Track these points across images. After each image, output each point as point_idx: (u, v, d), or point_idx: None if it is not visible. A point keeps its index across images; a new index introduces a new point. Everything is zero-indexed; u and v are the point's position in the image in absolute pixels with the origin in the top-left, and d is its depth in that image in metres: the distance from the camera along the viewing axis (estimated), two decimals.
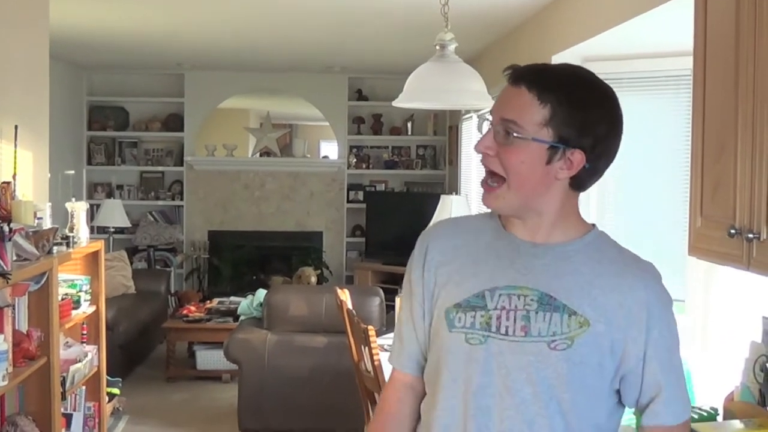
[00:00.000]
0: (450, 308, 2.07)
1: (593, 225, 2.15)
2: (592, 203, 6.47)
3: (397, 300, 5.48)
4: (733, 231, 2.68)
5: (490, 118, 2.02)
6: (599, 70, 6.26)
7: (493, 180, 2.02)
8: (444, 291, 2.11)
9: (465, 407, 2.03)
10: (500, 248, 2.10)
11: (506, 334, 2.00)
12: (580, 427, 2.00)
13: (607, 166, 2.09)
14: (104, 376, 6.13)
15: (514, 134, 1.96)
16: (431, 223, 6.74)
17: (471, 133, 9.67)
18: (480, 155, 2.04)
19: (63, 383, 5.08)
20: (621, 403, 2.08)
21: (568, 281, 2.02)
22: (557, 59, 6.46)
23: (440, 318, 2.09)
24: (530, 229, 2.07)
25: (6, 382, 4.08)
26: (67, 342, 5.65)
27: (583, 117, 1.97)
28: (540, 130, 1.96)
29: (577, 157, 1.99)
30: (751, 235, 2.58)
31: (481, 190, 2.08)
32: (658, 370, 2.01)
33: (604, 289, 2.01)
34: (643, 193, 6.10)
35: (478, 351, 2.01)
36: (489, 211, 2.16)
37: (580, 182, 2.05)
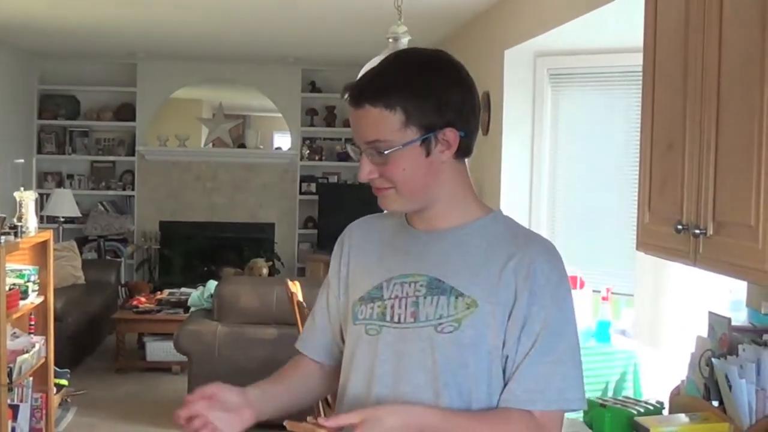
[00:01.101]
0: (356, 302, 2.11)
1: (492, 210, 2.13)
2: (543, 196, 6.51)
3: None
4: (680, 227, 2.70)
5: (358, 146, 2.01)
6: (551, 65, 6.34)
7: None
8: (352, 286, 2.16)
9: (368, 396, 2.04)
10: (400, 241, 2.13)
11: (398, 321, 2.02)
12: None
13: (478, 119, 2.07)
14: (52, 367, 6.08)
15: (385, 151, 1.95)
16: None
17: None
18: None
19: (10, 374, 5.04)
20: None
21: (457, 264, 2.02)
22: (510, 54, 6.49)
23: (348, 312, 2.14)
24: (428, 219, 2.08)
25: None
26: (15, 333, 5.59)
27: (434, 98, 1.96)
28: (404, 134, 1.95)
29: (450, 135, 1.98)
30: (697, 231, 2.60)
31: None
32: (528, 347, 1.95)
33: (493, 269, 1.99)
34: (593, 188, 6.15)
35: (376, 341, 2.04)
36: None
37: (465, 150, 2.04)
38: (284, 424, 1.88)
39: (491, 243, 2.04)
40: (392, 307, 2.03)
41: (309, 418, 1.87)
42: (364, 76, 2.01)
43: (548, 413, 1.97)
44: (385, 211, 2.19)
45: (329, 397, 3.85)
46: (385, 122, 1.94)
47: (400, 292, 2.04)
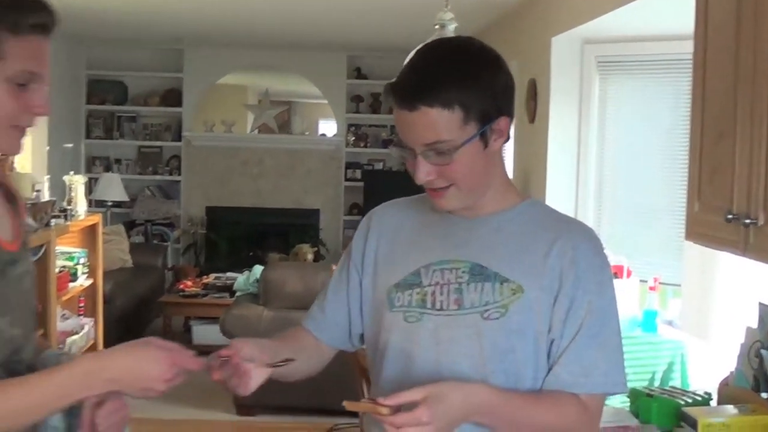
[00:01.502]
0: (390, 288, 2.08)
1: (529, 196, 2.14)
2: (590, 185, 6.48)
3: None
4: (730, 216, 2.68)
5: (408, 148, 1.95)
6: (599, 52, 6.29)
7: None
8: (384, 270, 2.12)
9: (406, 383, 1.99)
10: (435, 226, 2.09)
11: (441, 309, 2.00)
12: None
13: (513, 98, 2.04)
14: (101, 349, 6.15)
15: (446, 150, 1.91)
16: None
17: None
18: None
19: None
20: None
21: (500, 250, 2.01)
22: (557, 41, 6.45)
23: (382, 298, 2.10)
24: (469, 206, 2.05)
25: None
26: (64, 314, 5.66)
27: (487, 88, 1.93)
28: (465, 131, 1.91)
29: (503, 122, 1.97)
30: (748, 221, 2.58)
31: None
32: (574, 331, 1.96)
33: (536, 254, 1.99)
34: (641, 177, 6.10)
35: (416, 328, 2.01)
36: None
37: (508, 135, 2.02)
38: (343, 404, 1.84)
39: (532, 228, 2.04)
40: (433, 294, 2.02)
41: (365, 398, 1.86)
42: (408, 75, 1.95)
43: (593, 396, 1.98)
44: (417, 196, 2.18)
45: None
46: (445, 121, 1.89)
47: (440, 279, 2.02)
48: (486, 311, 1.97)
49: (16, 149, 1.89)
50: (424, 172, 1.94)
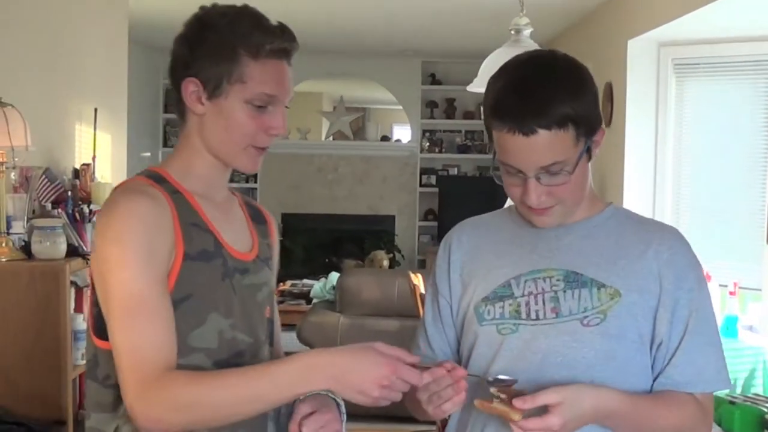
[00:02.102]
0: (479, 303, 2.05)
1: (610, 202, 2.12)
2: (667, 188, 6.42)
3: None
4: None
5: (525, 172, 1.91)
6: (676, 54, 6.25)
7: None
8: (470, 288, 2.09)
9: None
10: (521, 238, 2.08)
11: (537, 318, 1.98)
12: None
13: None
14: None
15: (561, 170, 1.90)
16: (505, 206, 6.73)
17: None
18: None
19: None
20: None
21: (592, 256, 2.00)
22: (633, 44, 6.40)
23: (470, 315, 2.07)
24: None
25: (84, 361, 4.16)
26: None
27: (588, 101, 1.92)
28: (577, 148, 1.90)
29: (601, 133, 1.97)
30: None
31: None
32: (681, 330, 1.96)
33: (630, 258, 1.98)
34: (720, 181, 6.03)
35: (511, 340, 1.98)
36: (506, 207, 2.19)
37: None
38: (474, 403, 1.83)
39: (621, 233, 2.04)
40: (527, 304, 2.00)
41: (495, 400, 1.82)
42: (516, 97, 1.89)
43: (707, 395, 1.99)
44: (500, 210, 2.17)
45: None
46: (561, 142, 1.87)
47: (534, 289, 2.00)
48: (585, 317, 1.95)
49: (253, 168, 2.01)
50: (537, 195, 1.92)
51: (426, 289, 2.25)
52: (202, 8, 1.99)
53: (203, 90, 1.92)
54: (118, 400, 1.87)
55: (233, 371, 1.82)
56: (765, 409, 3.05)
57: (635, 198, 6.31)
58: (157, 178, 1.96)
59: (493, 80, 1.98)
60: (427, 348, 2.21)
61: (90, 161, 5.42)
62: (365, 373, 1.78)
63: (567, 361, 1.94)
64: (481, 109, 2.04)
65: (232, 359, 1.93)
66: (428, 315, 2.22)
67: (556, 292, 1.99)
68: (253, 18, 1.96)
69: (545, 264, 2.02)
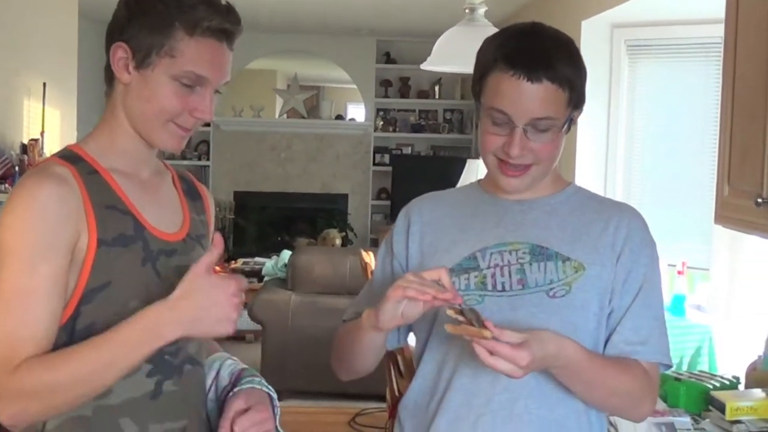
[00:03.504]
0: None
1: (572, 182, 2.19)
2: (618, 169, 6.46)
3: None
4: (759, 200, 2.67)
5: (515, 121, 1.95)
6: (629, 36, 6.26)
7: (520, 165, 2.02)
8: (433, 260, 2.10)
9: (454, 366, 2.04)
10: (486, 211, 2.12)
11: (503, 290, 2.02)
12: None
13: None
14: None
15: (549, 127, 1.96)
16: (458, 185, 6.74)
17: None
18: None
19: None
20: None
21: (557, 231, 2.06)
22: (587, 25, 6.43)
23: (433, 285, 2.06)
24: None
25: None
26: None
27: (583, 78, 2.02)
28: (566, 113, 1.99)
29: (579, 112, 2.06)
30: None
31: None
32: (629, 301, 2.02)
33: (592, 234, 2.05)
34: (670, 161, 6.07)
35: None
36: (468, 183, 2.24)
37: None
38: (445, 327, 1.80)
39: (583, 210, 2.10)
40: (493, 275, 2.03)
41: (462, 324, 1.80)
42: (529, 48, 1.96)
43: (652, 365, 2.03)
44: (457, 186, 2.19)
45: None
46: (558, 99, 1.95)
47: (500, 261, 2.04)
48: (551, 289, 2.00)
49: (175, 146, 1.93)
50: (519, 146, 1.96)
51: (378, 252, 2.26)
52: None
53: (132, 58, 1.84)
54: None
55: (82, 344, 1.75)
56: (710, 386, 3.08)
57: (587, 178, 6.35)
58: (73, 158, 1.86)
59: (498, 35, 2.07)
60: (365, 304, 2.14)
61: (38, 136, 5.36)
62: (212, 301, 1.75)
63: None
64: (476, 58, 2.07)
65: (165, 348, 1.83)
66: (377, 280, 2.24)
67: (522, 264, 2.03)
68: None
69: (511, 237, 2.06)
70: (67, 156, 1.87)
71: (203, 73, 1.85)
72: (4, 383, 1.71)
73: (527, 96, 1.93)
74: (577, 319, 1.99)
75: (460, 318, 1.80)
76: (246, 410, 1.90)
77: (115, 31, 1.86)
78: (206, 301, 1.74)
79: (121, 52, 1.84)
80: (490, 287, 2.03)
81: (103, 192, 1.84)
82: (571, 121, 2.02)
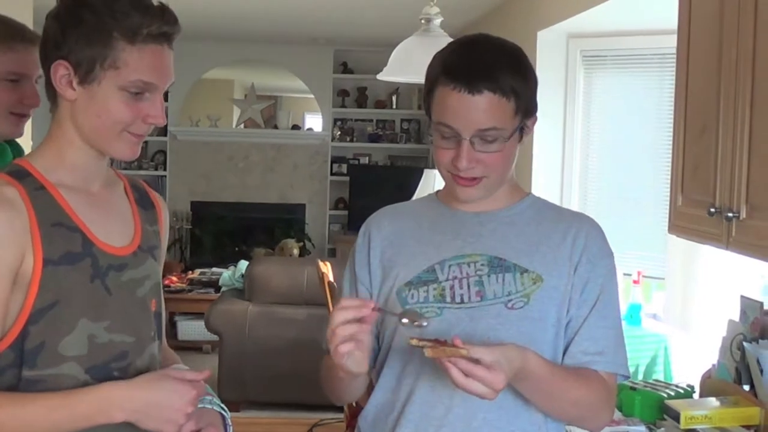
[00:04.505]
0: (401, 287, 2.08)
1: (529, 192, 2.20)
2: (574, 179, 6.49)
3: None
4: (713, 210, 2.69)
5: (461, 134, 1.96)
6: (585, 47, 6.29)
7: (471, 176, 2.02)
8: (392, 274, 2.11)
9: (414, 379, 2.04)
10: (444, 224, 2.13)
11: (461, 302, 2.02)
12: None
13: None
14: None
15: (497, 139, 1.96)
16: (413, 198, 6.75)
17: None
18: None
19: None
20: None
21: (515, 242, 2.06)
22: (543, 36, 6.46)
23: (392, 300, 2.08)
24: (478, 201, 2.09)
25: None
26: None
27: (531, 85, 2.03)
28: (513, 122, 1.99)
29: (533, 120, 2.07)
30: (730, 215, 2.59)
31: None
32: (586, 311, 2.03)
33: (550, 245, 2.06)
34: (625, 171, 6.11)
35: (435, 323, 1.99)
36: (426, 195, 2.25)
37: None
38: (425, 353, 1.78)
39: (541, 221, 2.11)
40: (452, 288, 2.04)
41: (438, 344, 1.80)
42: (467, 60, 1.98)
43: (609, 375, 2.04)
44: (414, 198, 2.20)
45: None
46: (502, 109, 1.95)
47: (459, 273, 2.04)
48: (509, 301, 2.01)
49: (131, 155, 1.90)
50: (468, 160, 1.97)
51: (344, 276, 2.25)
52: None
53: (74, 74, 1.80)
54: None
55: (34, 398, 1.76)
56: (664, 395, 3.10)
57: (543, 188, 6.37)
58: (21, 174, 1.82)
59: (443, 49, 2.07)
60: None
61: None
62: (168, 403, 1.78)
63: (490, 343, 1.94)
64: (426, 73, 2.07)
65: (112, 363, 1.86)
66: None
67: (480, 276, 2.03)
68: None
69: (469, 249, 2.07)
70: (15, 172, 1.83)
71: (150, 80, 1.82)
72: None
73: (469, 108, 1.94)
74: (535, 331, 2.00)
75: (427, 343, 1.79)
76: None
77: (51, 48, 1.82)
78: (162, 401, 1.78)
79: (62, 70, 1.80)
80: (448, 299, 2.03)
81: (50, 209, 1.81)
82: (522, 130, 2.03)
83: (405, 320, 1.88)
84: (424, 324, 1.87)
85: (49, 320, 1.77)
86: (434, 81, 2.01)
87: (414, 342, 1.81)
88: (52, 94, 1.86)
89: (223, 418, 2.02)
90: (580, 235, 2.07)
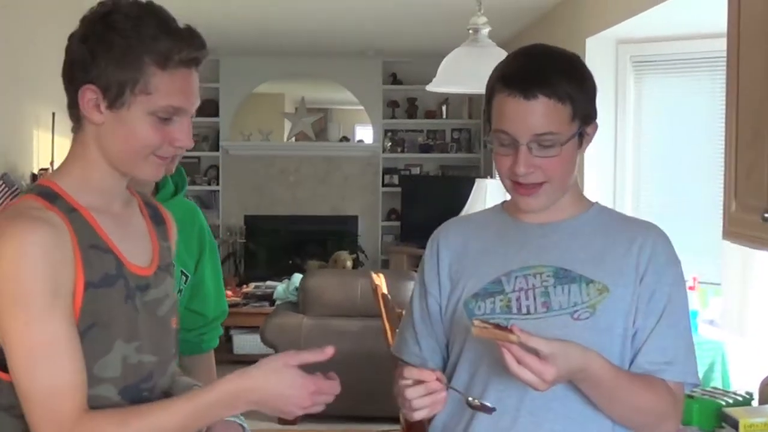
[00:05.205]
0: (468, 299, 2.10)
1: (596, 201, 2.19)
2: (627, 185, 6.46)
3: None
4: (766, 215, 2.67)
5: (518, 139, 1.98)
6: (634, 52, 6.26)
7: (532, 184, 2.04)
8: (459, 285, 2.14)
9: (482, 393, 2.05)
10: (509, 235, 2.14)
11: (528, 313, 2.03)
12: None
13: None
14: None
15: (555, 144, 1.97)
16: (465, 207, 6.75)
17: None
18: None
19: None
20: None
21: (580, 253, 2.07)
22: (591, 42, 6.43)
23: (460, 311, 2.11)
24: (544, 212, 2.10)
25: None
26: None
27: (588, 91, 2.04)
28: (570, 127, 1.99)
29: (593, 127, 2.07)
30: None
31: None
32: (654, 322, 2.02)
33: (616, 255, 2.05)
34: (678, 177, 6.07)
35: None
36: (492, 206, 2.26)
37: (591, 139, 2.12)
38: (472, 331, 1.84)
39: (607, 231, 2.11)
40: (518, 299, 2.05)
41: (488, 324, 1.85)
42: (523, 66, 2.02)
43: (678, 384, 2.03)
44: (496, 198, 2.21)
45: None
46: (558, 114, 1.97)
47: (524, 285, 2.06)
48: (575, 312, 2.01)
49: (156, 176, 1.91)
50: (525, 164, 1.98)
51: (413, 289, 2.29)
52: (103, 5, 1.83)
53: (103, 98, 1.78)
54: (24, 428, 1.77)
55: (156, 406, 1.80)
56: (723, 403, 3.08)
57: (594, 194, 6.27)
58: (51, 196, 1.81)
59: (503, 59, 2.10)
60: (415, 345, 2.25)
61: (48, 166, 5.38)
62: (287, 397, 1.80)
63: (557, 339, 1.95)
64: (486, 86, 2.09)
65: (141, 384, 1.87)
66: (416, 313, 2.26)
67: (546, 287, 2.04)
68: (159, 20, 1.82)
69: (535, 261, 2.08)
70: (45, 193, 1.82)
71: (180, 105, 1.83)
72: None
73: (525, 113, 1.96)
74: (601, 341, 1.99)
75: (488, 326, 1.83)
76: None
77: (77, 71, 1.81)
78: (283, 393, 1.81)
79: (89, 94, 1.79)
80: (515, 310, 2.04)
81: (85, 231, 1.80)
82: (581, 136, 2.04)
83: (472, 400, 1.94)
84: (489, 405, 1.93)
85: (87, 343, 1.76)
86: (492, 89, 2.04)
87: (477, 322, 1.84)
88: (76, 115, 1.85)
89: (243, 429, 2.06)
90: (647, 245, 2.06)
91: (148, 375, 1.89)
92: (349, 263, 10.42)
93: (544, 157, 1.98)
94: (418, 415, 1.93)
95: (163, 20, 1.82)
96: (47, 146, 5.68)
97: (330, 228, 11.81)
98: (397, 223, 11.70)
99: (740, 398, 3.15)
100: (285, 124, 12.84)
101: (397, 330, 2.37)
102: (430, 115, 11.90)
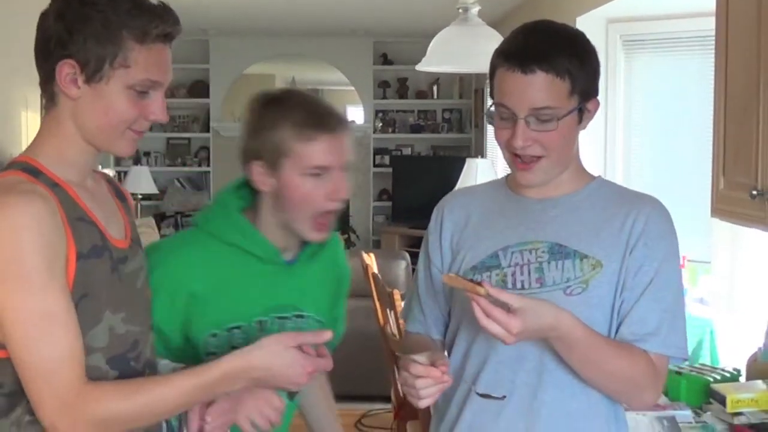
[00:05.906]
0: (467, 271, 2.13)
1: (598, 176, 2.21)
2: (617, 164, 6.46)
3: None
4: (754, 192, 2.68)
5: (517, 113, 2.01)
6: (624, 31, 6.24)
7: (529, 157, 2.05)
8: (459, 257, 2.18)
9: (481, 362, 2.10)
10: (509, 210, 2.16)
11: (522, 288, 2.06)
12: None
13: None
14: None
15: (551, 118, 1.99)
16: (456, 187, 6.75)
17: None
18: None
19: None
20: None
21: (576, 228, 2.08)
22: (581, 21, 6.42)
23: None
24: (543, 187, 2.12)
25: None
26: None
27: (592, 67, 2.06)
28: (569, 102, 2.01)
29: (594, 104, 2.08)
30: None
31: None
32: (638, 294, 2.03)
33: (612, 229, 2.06)
34: (668, 155, 6.07)
35: None
36: (497, 178, 2.29)
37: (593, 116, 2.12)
38: (443, 278, 1.94)
39: (605, 205, 2.12)
40: (513, 274, 2.08)
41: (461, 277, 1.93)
42: (522, 40, 2.04)
43: (659, 356, 2.04)
44: (487, 177, 2.23)
45: None
46: (556, 88, 1.98)
47: (520, 260, 2.08)
48: (568, 287, 2.03)
49: (131, 151, 1.95)
50: (522, 137, 2.00)
51: (419, 259, 2.34)
52: None
53: (81, 72, 1.81)
54: (10, 405, 1.80)
55: (159, 381, 1.88)
56: (710, 379, 3.10)
57: None
58: (34, 171, 1.82)
59: (508, 35, 2.12)
60: (420, 315, 2.31)
61: None
62: (286, 376, 1.90)
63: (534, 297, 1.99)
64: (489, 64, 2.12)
65: (127, 353, 1.91)
66: (421, 284, 2.31)
67: (540, 263, 2.07)
68: None
69: (532, 236, 2.10)
70: (27, 168, 1.84)
71: (157, 78, 1.86)
72: (73, 405, 1.74)
73: (524, 87, 1.99)
74: (593, 316, 2.00)
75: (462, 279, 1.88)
76: (211, 403, 1.98)
77: (55, 47, 1.81)
78: (281, 372, 1.90)
79: (67, 68, 1.81)
80: (510, 285, 2.07)
81: (70, 204, 1.83)
82: (581, 111, 2.05)
83: (479, 390, 2.05)
84: (498, 396, 2.02)
85: (79, 313, 1.79)
86: (494, 65, 2.06)
87: (446, 279, 1.91)
88: (51, 90, 1.87)
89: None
90: (640, 218, 2.06)
91: (133, 344, 1.93)
92: None
93: (541, 131, 2.00)
94: (424, 403, 1.98)
95: None
96: (35, 128, 5.67)
97: None
98: (389, 204, 11.70)
99: (728, 374, 3.17)
100: None
101: (405, 297, 2.42)
102: (421, 95, 11.89)
